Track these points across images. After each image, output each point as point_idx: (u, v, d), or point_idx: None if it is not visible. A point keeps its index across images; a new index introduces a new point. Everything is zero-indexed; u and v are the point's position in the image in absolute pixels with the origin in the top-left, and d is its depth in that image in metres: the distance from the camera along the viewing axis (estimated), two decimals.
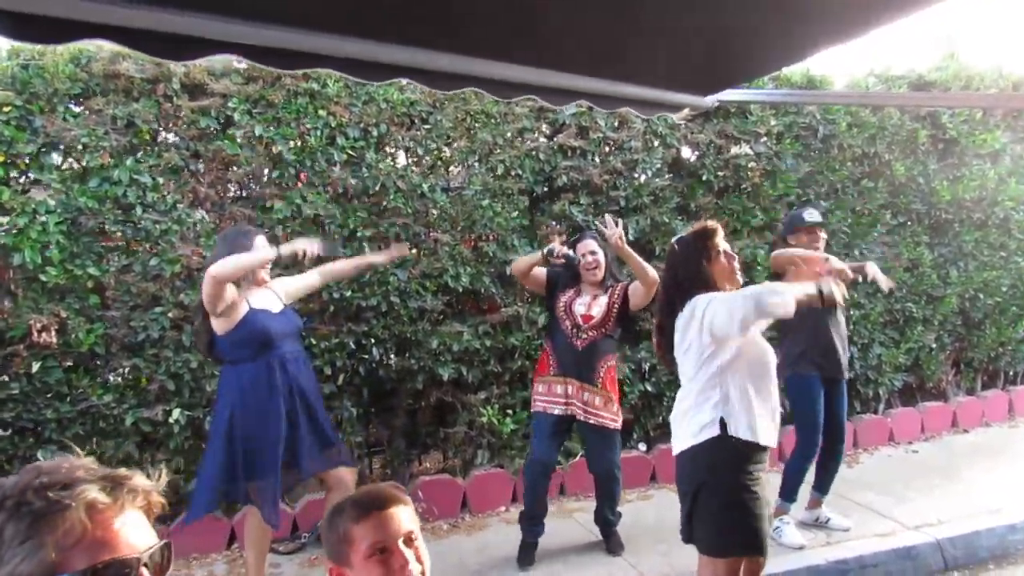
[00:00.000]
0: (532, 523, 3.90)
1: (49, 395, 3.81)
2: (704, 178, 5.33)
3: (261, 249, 3.25)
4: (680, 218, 5.23)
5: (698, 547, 2.67)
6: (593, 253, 3.83)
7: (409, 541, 1.48)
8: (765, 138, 5.55)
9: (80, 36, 1.52)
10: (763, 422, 2.60)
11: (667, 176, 5.28)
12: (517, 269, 3.93)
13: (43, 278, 3.77)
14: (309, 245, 3.33)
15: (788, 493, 4.10)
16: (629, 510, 4.54)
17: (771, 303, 2.48)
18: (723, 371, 2.59)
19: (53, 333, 3.77)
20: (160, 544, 1.00)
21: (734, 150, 5.46)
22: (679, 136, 5.29)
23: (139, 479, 1.00)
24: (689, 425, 2.63)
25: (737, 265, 2.75)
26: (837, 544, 3.96)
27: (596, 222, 3.40)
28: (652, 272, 3.66)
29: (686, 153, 5.48)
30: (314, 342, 4.30)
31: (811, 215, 4.04)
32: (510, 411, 4.68)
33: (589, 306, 3.82)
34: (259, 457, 3.20)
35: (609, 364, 3.86)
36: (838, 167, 5.74)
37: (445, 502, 4.55)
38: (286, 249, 3.27)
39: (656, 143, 5.23)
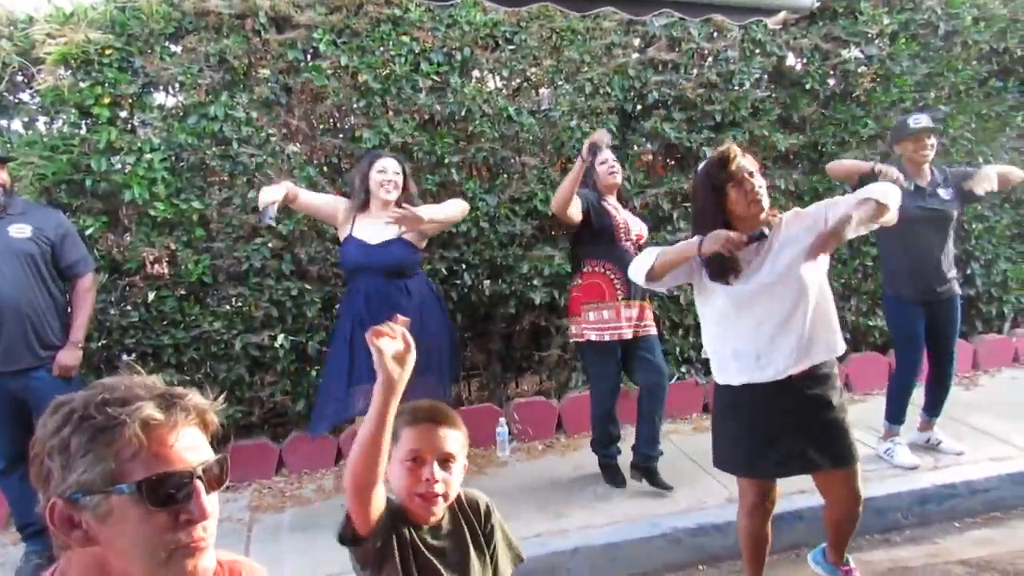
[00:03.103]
0: (608, 447, 3.94)
1: (165, 322, 4.09)
2: (808, 87, 5.00)
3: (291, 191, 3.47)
4: (782, 131, 4.96)
5: None
6: (614, 159, 3.87)
7: (445, 463, 1.56)
8: (877, 39, 5.13)
9: None
10: None
11: (767, 86, 4.99)
12: (560, 201, 3.53)
13: (152, 213, 3.99)
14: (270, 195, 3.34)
15: (893, 415, 3.95)
16: None
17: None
18: None
19: (165, 264, 4.03)
20: (215, 459, 1.05)
21: (843, 54, 5.07)
22: (781, 43, 4.97)
23: (194, 398, 1.04)
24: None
25: (757, 183, 2.53)
26: (946, 468, 3.77)
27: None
28: None
29: (789, 61, 5.15)
30: None
31: (916, 121, 3.73)
32: None
33: (633, 222, 3.85)
34: (329, 369, 3.60)
35: None
36: (961, 67, 5.25)
37: (540, 424, 4.63)
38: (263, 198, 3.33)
39: (755, 51, 4.94)
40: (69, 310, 3.48)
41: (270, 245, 4.19)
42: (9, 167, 3.54)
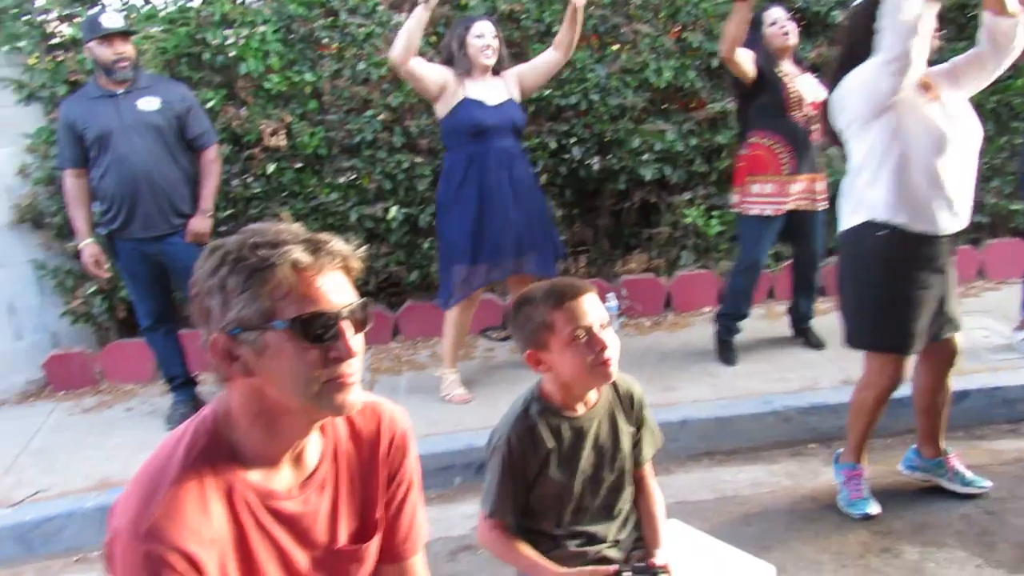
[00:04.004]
0: (734, 322, 3.88)
1: (285, 193, 4.23)
2: None
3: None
4: None
5: None
6: (786, 17, 3.59)
7: (602, 327, 1.59)
8: None
9: None
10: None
11: None
12: (727, 39, 3.36)
13: (267, 85, 4.06)
14: None
15: None
16: None
17: None
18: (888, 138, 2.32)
19: (282, 137, 4.11)
20: (359, 302, 1.09)
21: None
22: None
23: (337, 243, 1.08)
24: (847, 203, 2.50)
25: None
26: None
27: None
28: None
29: None
30: None
31: None
32: (716, 212, 4.51)
33: (806, 89, 3.56)
34: (455, 244, 3.49)
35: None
36: None
37: (649, 301, 4.60)
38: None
39: None
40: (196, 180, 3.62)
41: (380, 118, 4.20)
42: (133, 40, 3.63)
